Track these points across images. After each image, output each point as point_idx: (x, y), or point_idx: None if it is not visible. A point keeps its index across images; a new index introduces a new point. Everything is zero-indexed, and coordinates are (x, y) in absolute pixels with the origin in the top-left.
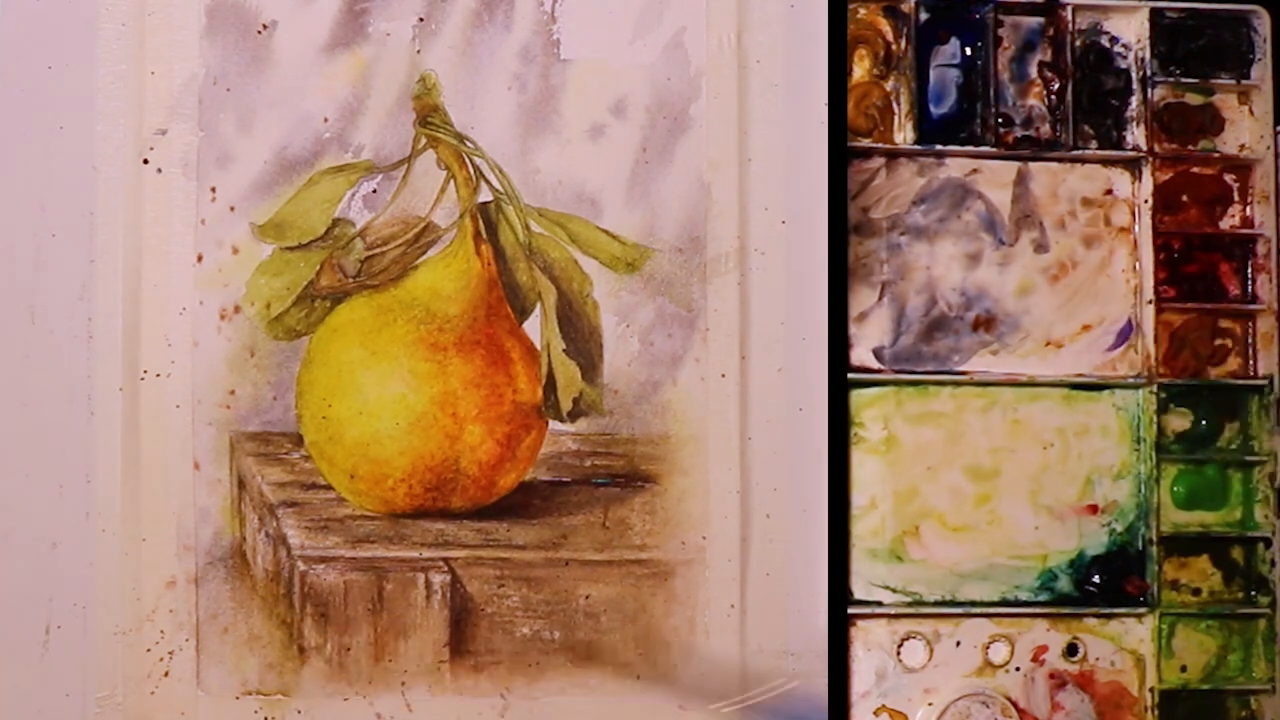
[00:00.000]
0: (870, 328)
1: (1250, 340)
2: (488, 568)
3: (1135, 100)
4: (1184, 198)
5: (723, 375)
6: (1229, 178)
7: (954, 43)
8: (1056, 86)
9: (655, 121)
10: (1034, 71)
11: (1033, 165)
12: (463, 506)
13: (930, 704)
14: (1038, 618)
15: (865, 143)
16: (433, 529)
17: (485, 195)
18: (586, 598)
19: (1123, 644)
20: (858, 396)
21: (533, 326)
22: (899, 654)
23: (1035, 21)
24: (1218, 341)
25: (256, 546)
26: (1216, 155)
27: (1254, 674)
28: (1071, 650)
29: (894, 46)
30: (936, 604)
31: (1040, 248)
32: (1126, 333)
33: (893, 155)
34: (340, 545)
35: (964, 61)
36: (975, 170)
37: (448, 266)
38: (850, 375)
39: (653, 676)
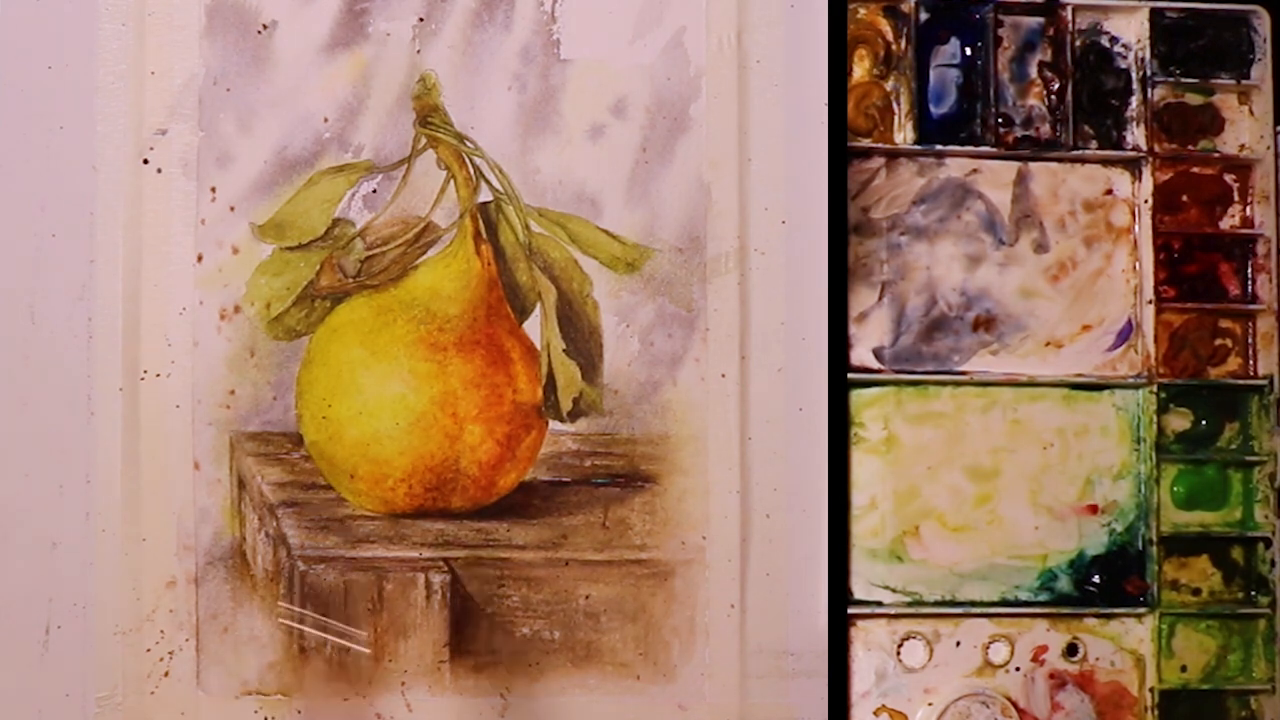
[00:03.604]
0: (870, 328)
1: (1250, 340)
2: (488, 568)
3: (1135, 100)
4: (1184, 198)
5: (723, 375)
6: (1229, 178)
7: (954, 43)
8: (1056, 86)
9: (655, 121)
10: (1034, 71)
11: (1033, 165)
12: (463, 506)
13: (930, 704)
14: (1038, 618)
15: (865, 143)
16: (433, 529)
17: (485, 195)
18: (586, 598)
19: (1123, 644)
20: (858, 396)
21: (533, 326)
22: (899, 654)
23: (1035, 21)
24: (1218, 341)
25: (256, 546)
26: (1216, 155)
27: (1254, 674)
28: (1071, 650)
29: (894, 46)
30: (936, 604)
31: (1040, 248)
32: (1126, 333)
33: (893, 155)
34: (340, 545)
35: (964, 61)
36: (975, 170)
37: (448, 266)
38: (850, 375)
39: (653, 676)
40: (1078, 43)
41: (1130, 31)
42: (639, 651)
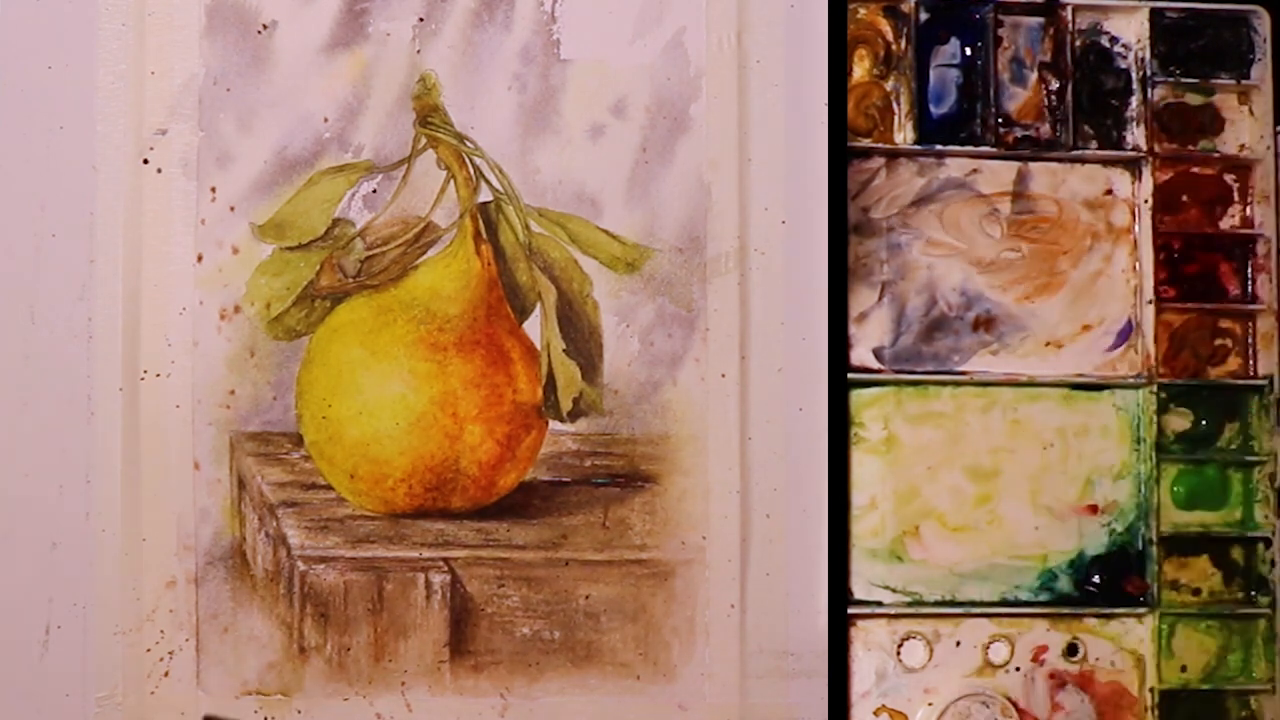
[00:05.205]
0: (870, 328)
1: (1250, 340)
2: (488, 568)
3: (1135, 100)
4: (1184, 198)
5: (723, 375)
6: (1229, 178)
7: (954, 43)
8: (1056, 86)
9: (655, 121)
10: (1034, 71)
11: (1033, 165)
12: (463, 506)
13: (930, 704)
14: (1038, 618)
15: (865, 143)
16: (433, 529)
17: (485, 195)
18: (586, 598)
19: (1123, 644)
20: (858, 396)
21: (533, 326)
22: (899, 654)
23: (1035, 21)
24: (1218, 341)
25: (256, 546)
26: (1216, 155)
27: (1254, 674)
28: (1071, 650)
29: (894, 46)
30: (936, 604)
31: None
32: (1126, 333)
33: (893, 155)
34: (340, 545)
35: (964, 61)
36: (975, 170)
37: (448, 266)
38: (850, 375)
39: (653, 676)
40: (1078, 43)
41: (1130, 31)
42: (639, 651)
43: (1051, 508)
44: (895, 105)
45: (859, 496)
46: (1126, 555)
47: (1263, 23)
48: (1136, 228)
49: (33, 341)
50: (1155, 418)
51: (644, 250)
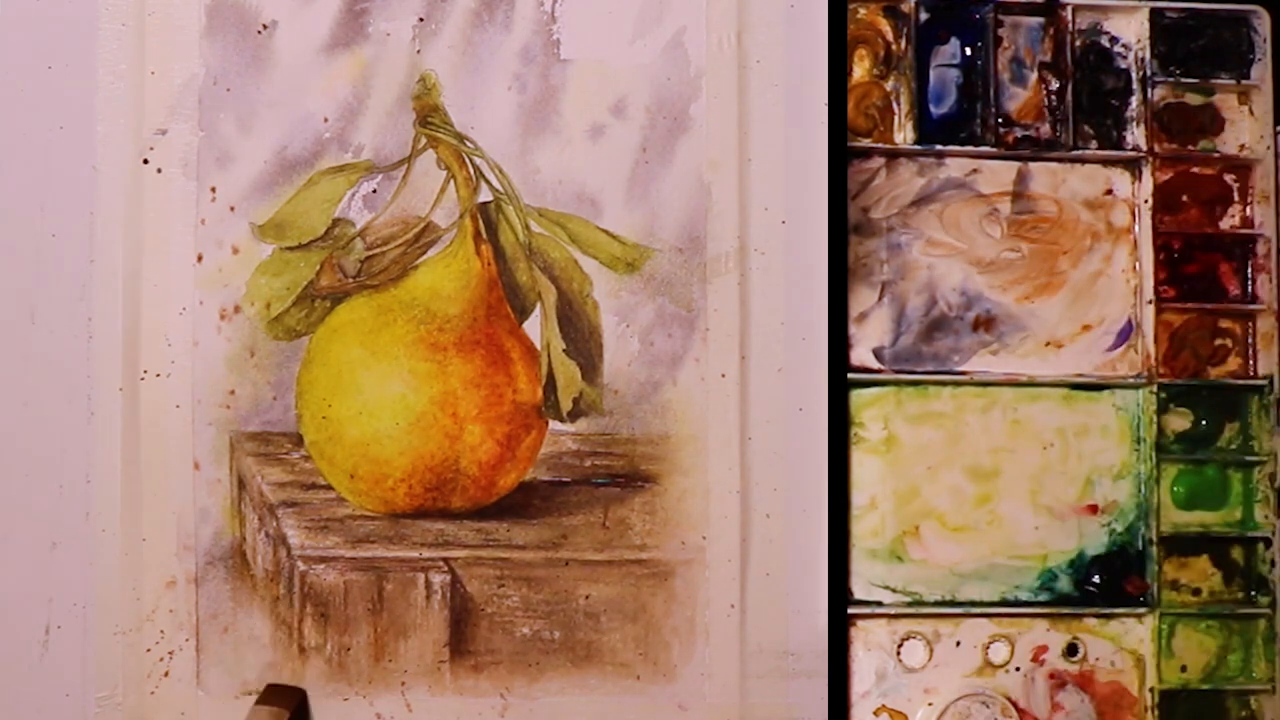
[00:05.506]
0: (870, 328)
1: (1250, 340)
2: (488, 568)
3: (1135, 100)
4: (1184, 198)
5: (723, 375)
6: (1229, 178)
7: (954, 43)
8: (1056, 86)
9: (655, 121)
10: (1034, 71)
11: (1033, 165)
12: (463, 506)
13: (930, 704)
14: (1038, 618)
15: (865, 143)
16: (433, 529)
17: (485, 195)
18: (586, 598)
19: (1123, 644)
20: (858, 396)
21: (533, 326)
22: (899, 654)
23: (1035, 21)
24: (1218, 341)
25: (256, 546)
26: (1216, 155)
27: (1254, 674)
28: (1071, 650)
29: (894, 46)
30: (936, 604)
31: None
32: (1126, 333)
33: (893, 155)
34: (340, 545)
35: (964, 61)
36: (975, 170)
37: (448, 266)
38: (850, 375)
39: (653, 676)
40: (1078, 43)
41: (1130, 31)
42: (639, 651)
43: (1051, 508)
44: (895, 105)
45: (859, 496)
46: (1126, 555)
47: (1263, 23)
48: (1136, 228)
49: (33, 341)
50: (1155, 418)
51: (644, 250)
